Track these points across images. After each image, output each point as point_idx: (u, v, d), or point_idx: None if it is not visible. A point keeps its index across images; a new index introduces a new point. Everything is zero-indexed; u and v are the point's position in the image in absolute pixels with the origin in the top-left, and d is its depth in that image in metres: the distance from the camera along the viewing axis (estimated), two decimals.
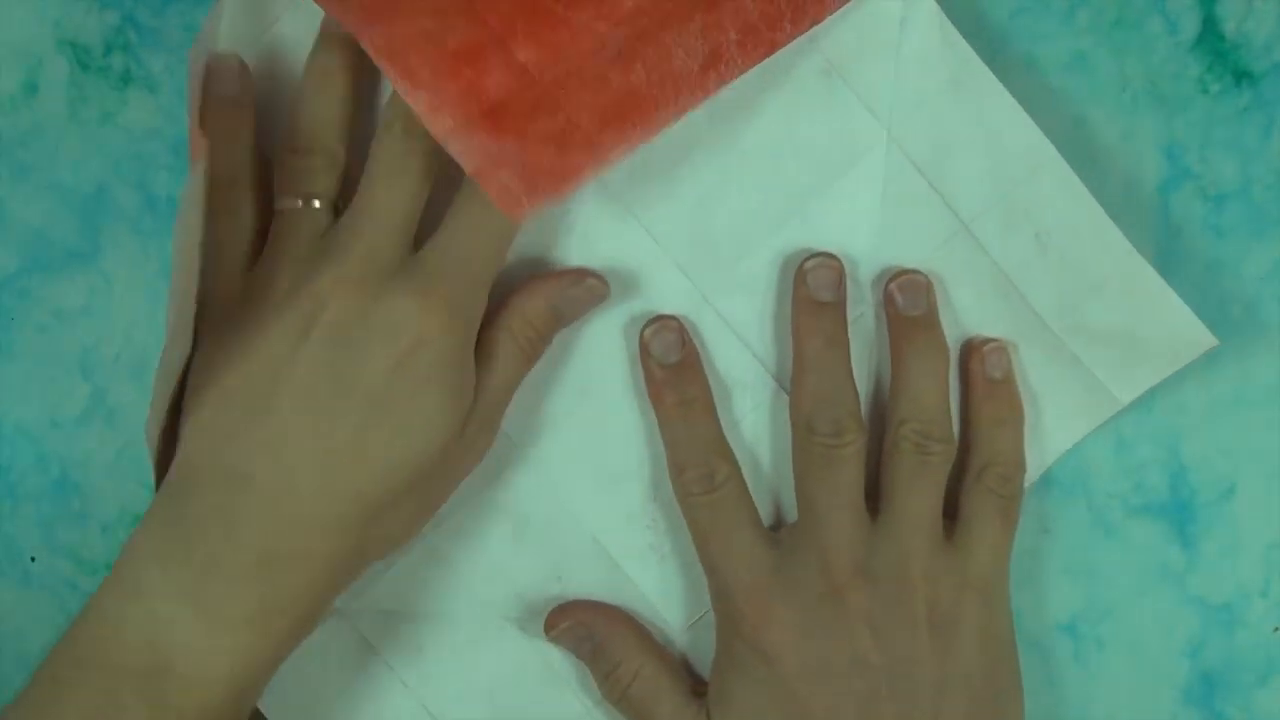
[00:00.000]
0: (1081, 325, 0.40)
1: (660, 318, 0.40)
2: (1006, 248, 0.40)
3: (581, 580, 0.41)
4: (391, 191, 0.37)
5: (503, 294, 0.39)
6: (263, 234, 0.39)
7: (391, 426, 0.35)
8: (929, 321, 0.39)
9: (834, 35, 0.40)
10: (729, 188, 0.40)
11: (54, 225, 0.42)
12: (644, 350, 0.40)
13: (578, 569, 0.41)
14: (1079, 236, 0.40)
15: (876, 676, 0.36)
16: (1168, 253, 0.41)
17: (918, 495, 0.38)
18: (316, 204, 0.38)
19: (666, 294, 0.41)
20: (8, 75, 0.42)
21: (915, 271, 0.40)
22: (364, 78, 0.39)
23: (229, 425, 0.35)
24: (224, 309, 0.38)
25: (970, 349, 0.40)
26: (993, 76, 0.40)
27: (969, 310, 0.41)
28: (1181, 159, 0.41)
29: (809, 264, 0.39)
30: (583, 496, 0.41)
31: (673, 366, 0.40)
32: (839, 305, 0.39)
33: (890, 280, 0.40)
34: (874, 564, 0.37)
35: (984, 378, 0.40)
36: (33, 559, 0.43)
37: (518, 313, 0.39)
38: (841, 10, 0.39)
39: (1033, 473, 0.41)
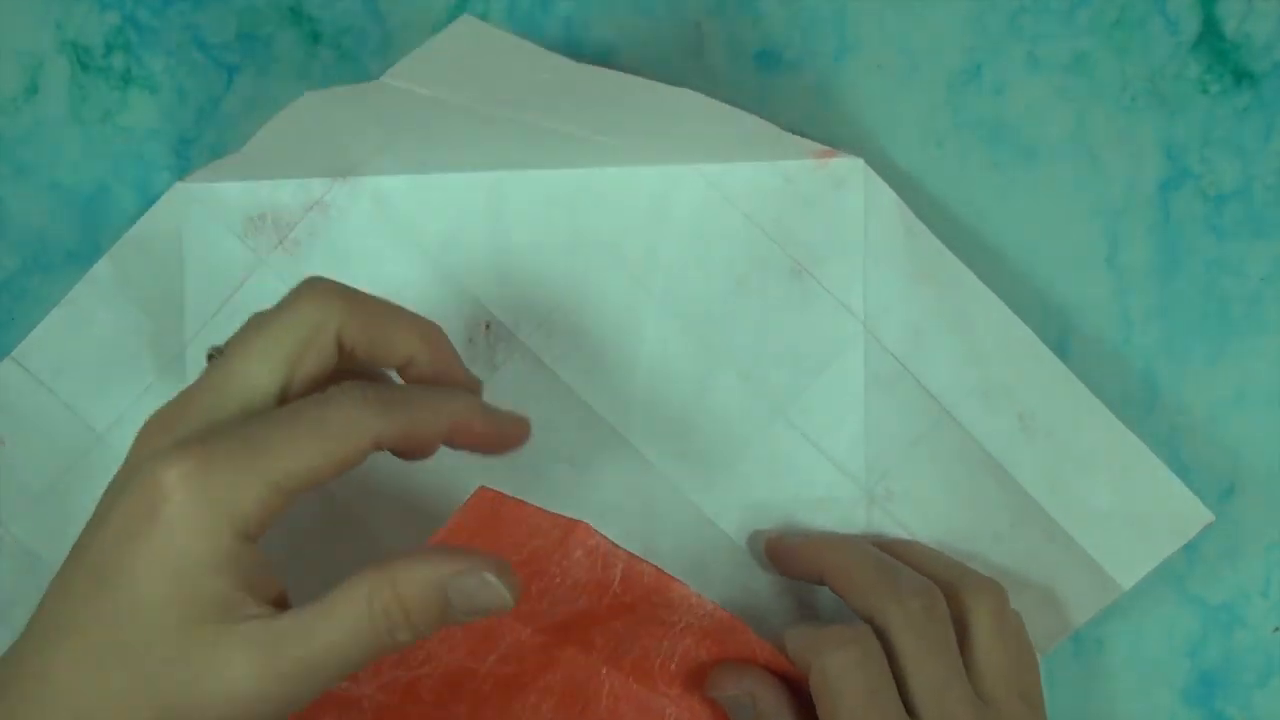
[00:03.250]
0: (1075, 506, 0.40)
1: None
2: (991, 431, 0.40)
3: None
4: (235, 358, 0.31)
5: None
6: None
7: (105, 613, 0.29)
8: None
9: (798, 237, 0.40)
10: (709, 397, 0.41)
11: (54, 225, 0.42)
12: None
13: None
14: (1063, 416, 0.40)
15: None
16: (1168, 253, 0.41)
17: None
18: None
19: (669, 514, 0.41)
20: (8, 75, 0.42)
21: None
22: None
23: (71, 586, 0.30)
24: None
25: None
26: (960, 264, 0.40)
27: (963, 494, 0.41)
28: (1181, 159, 0.41)
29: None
30: None
31: None
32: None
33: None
34: None
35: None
36: None
37: (388, 579, 0.29)
38: (804, 209, 0.40)
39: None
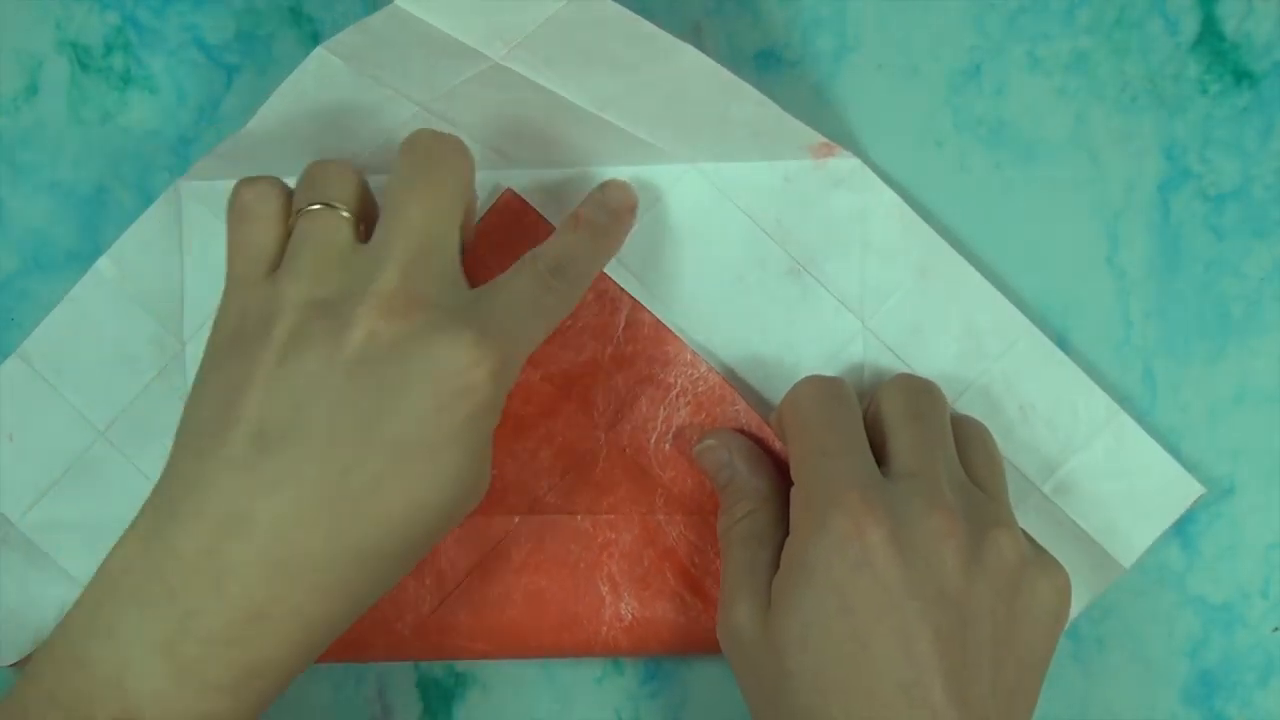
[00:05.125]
0: (1074, 489, 0.40)
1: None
2: (993, 422, 0.40)
3: None
4: (424, 206, 0.33)
5: None
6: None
7: (415, 478, 0.32)
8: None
9: (797, 236, 0.40)
10: None
11: (54, 225, 0.42)
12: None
13: None
14: (1060, 403, 0.40)
15: (957, 616, 0.34)
16: (1168, 253, 0.41)
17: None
18: (342, 211, 0.34)
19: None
20: (8, 75, 0.42)
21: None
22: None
23: (233, 453, 0.32)
24: (235, 323, 0.34)
25: None
26: (960, 258, 0.40)
27: None
28: (1181, 159, 0.41)
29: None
30: None
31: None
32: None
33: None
34: (969, 512, 0.35)
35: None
36: None
37: (539, 259, 0.37)
38: (803, 208, 0.40)
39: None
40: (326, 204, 0.34)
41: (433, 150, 0.34)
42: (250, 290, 0.34)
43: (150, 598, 0.31)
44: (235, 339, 0.34)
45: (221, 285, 0.41)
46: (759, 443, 0.40)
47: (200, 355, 0.40)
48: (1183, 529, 0.41)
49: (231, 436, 0.32)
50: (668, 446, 0.40)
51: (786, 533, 0.36)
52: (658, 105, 0.38)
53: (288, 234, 0.35)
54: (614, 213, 0.39)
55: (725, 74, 0.37)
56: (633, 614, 0.40)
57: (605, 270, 0.40)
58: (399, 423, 0.32)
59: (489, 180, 0.40)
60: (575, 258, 0.36)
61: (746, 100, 0.38)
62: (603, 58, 0.37)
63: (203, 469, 0.32)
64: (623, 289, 0.40)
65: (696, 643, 0.40)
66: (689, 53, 0.36)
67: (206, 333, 0.40)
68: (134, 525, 0.33)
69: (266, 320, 0.33)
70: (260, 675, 0.32)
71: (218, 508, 0.31)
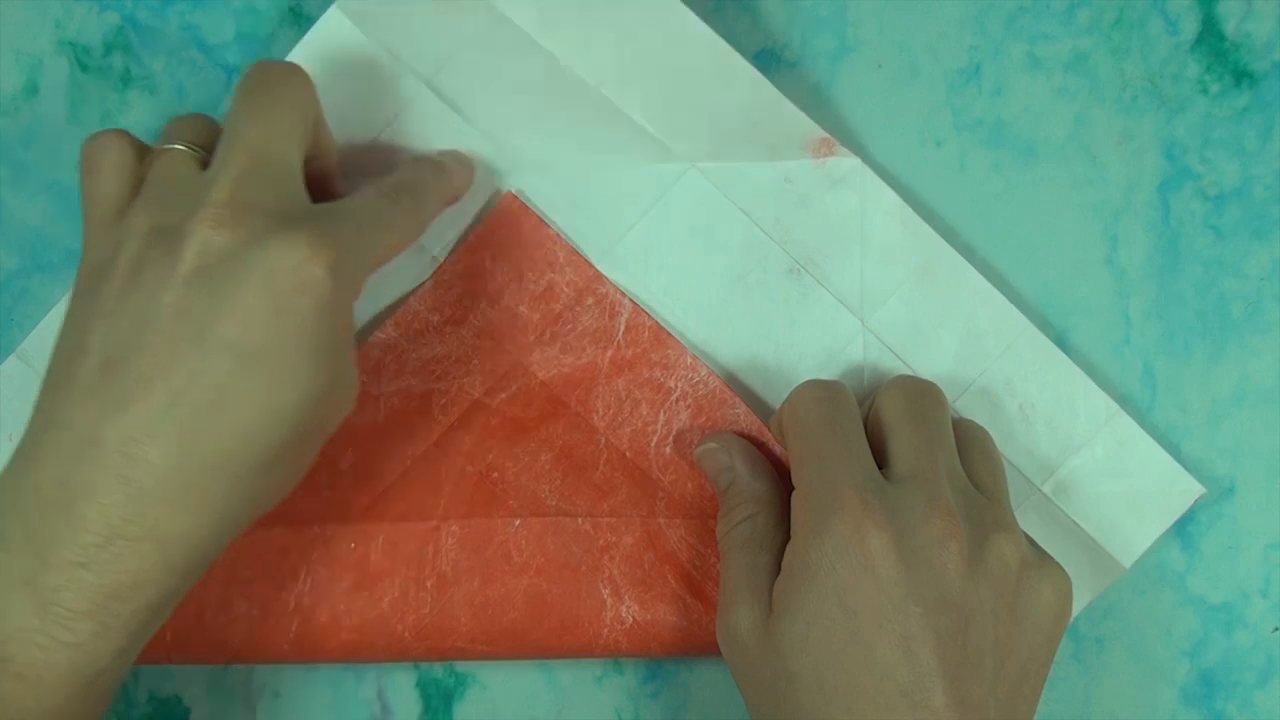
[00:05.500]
0: (1075, 490, 0.40)
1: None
2: (993, 423, 0.40)
3: None
4: (257, 125, 0.34)
5: None
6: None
7: (261, 382, 0.32)
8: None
9: (797, 236, 0.40)
10: None
11: (54, 225, 0.43)
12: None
13: None
14: (1061, 402, 0.40)
15: (958, 619, 0.34)
16: (1168, 253, 0.41)
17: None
18: (189, 149, 0.35)
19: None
20: (8, 75, 0.42)
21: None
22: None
23: (83, 382, 0.32)
24: (88, 266, 0.34)
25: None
26: (960, 258, 0.40)
27: None
28: (1181, 159, 0.41)
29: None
30: None
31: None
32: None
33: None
34: (970, 515, 0.35)
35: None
36: None
37: (383, 183, 0.37)
38: (802, 208, 0.40)
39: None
40: (174, 146, 0.35)
41: (263, 74, 0.35)
42: (101, 233, 0.35)
43: (12, 536, 0.32)
44: (87, 280, 0.34)
45: None
46: (759, 446, 0.40)
47: None
48: (1183, 529, 0.42)
49: (82, 368, 0.32)
50: (668, 450, 0.40)
51: (787, 536, 0.36)
52: (654, 80, 0.39)
53: (139, 182, 0.35)
54: (451, 157, 0.40)
55: (722, 45, 0.38)
56: (634, 617, 0.40)
57: (605, 272, 0.40)
58: (237, 326, 0.31)
59: (489, 180, 0.40)
60: (416, 182, 0.37)
61: (743, 78, 0.39)
62: (601, 20, 0.38)
63: (57, 403, 0.32)
64: (623, 294, 0.40)
65: (697, 645, 0.40)
66: (686, 18, 0.37)
67: None
68: (4, 469, 0.33)
69: (113, 255, 0.33)
70: (121, 598, 0.32)
71: (70, 436, 0.32)
